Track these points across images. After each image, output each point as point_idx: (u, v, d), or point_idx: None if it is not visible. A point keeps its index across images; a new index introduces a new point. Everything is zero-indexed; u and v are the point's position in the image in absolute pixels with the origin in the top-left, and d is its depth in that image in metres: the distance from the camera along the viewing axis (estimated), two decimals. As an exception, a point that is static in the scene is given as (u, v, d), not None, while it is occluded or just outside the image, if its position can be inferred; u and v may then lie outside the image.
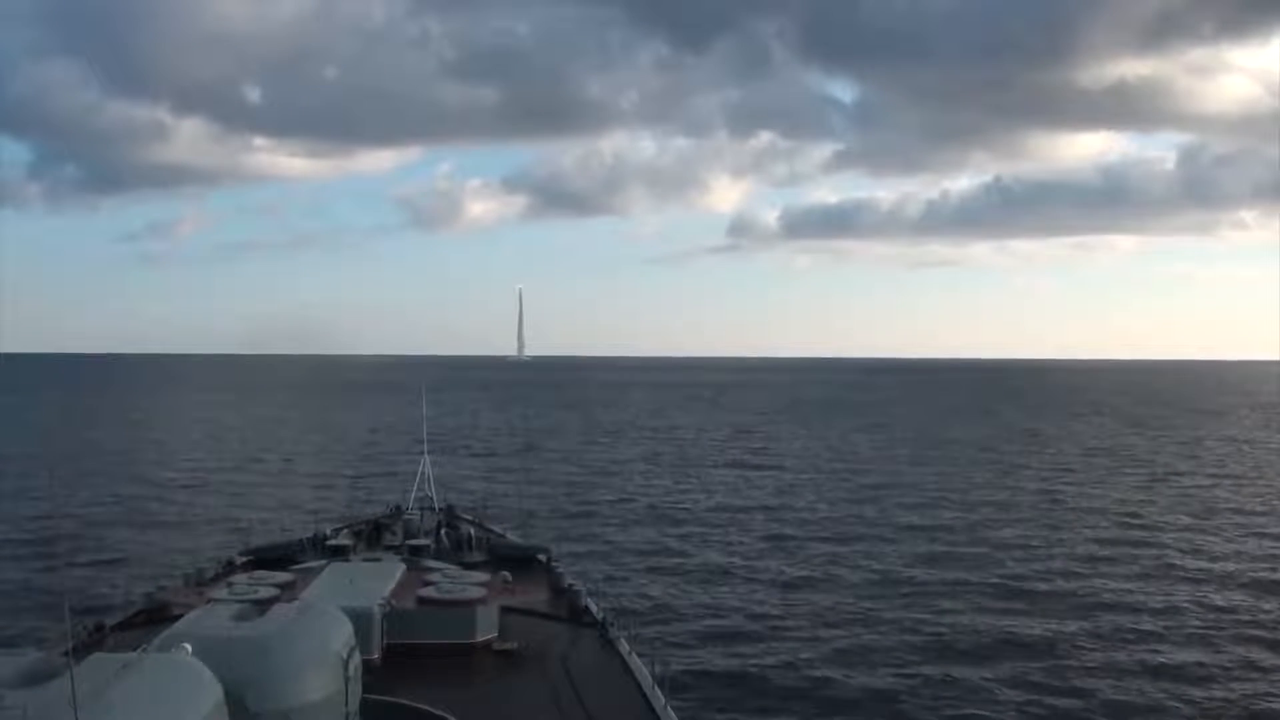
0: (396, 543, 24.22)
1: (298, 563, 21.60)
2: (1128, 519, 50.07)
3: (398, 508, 28.65)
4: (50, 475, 60.15)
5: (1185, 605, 33.26)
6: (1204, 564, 39.80)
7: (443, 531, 25.08)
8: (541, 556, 23.68)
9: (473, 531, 25.58)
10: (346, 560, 21.44)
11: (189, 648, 10.28)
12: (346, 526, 26.58)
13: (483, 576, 19.08)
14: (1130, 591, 35.11)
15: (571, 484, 62.05)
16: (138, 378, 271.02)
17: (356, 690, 11.96)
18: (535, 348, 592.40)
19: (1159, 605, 33.21)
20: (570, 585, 20.82)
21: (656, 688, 15.52)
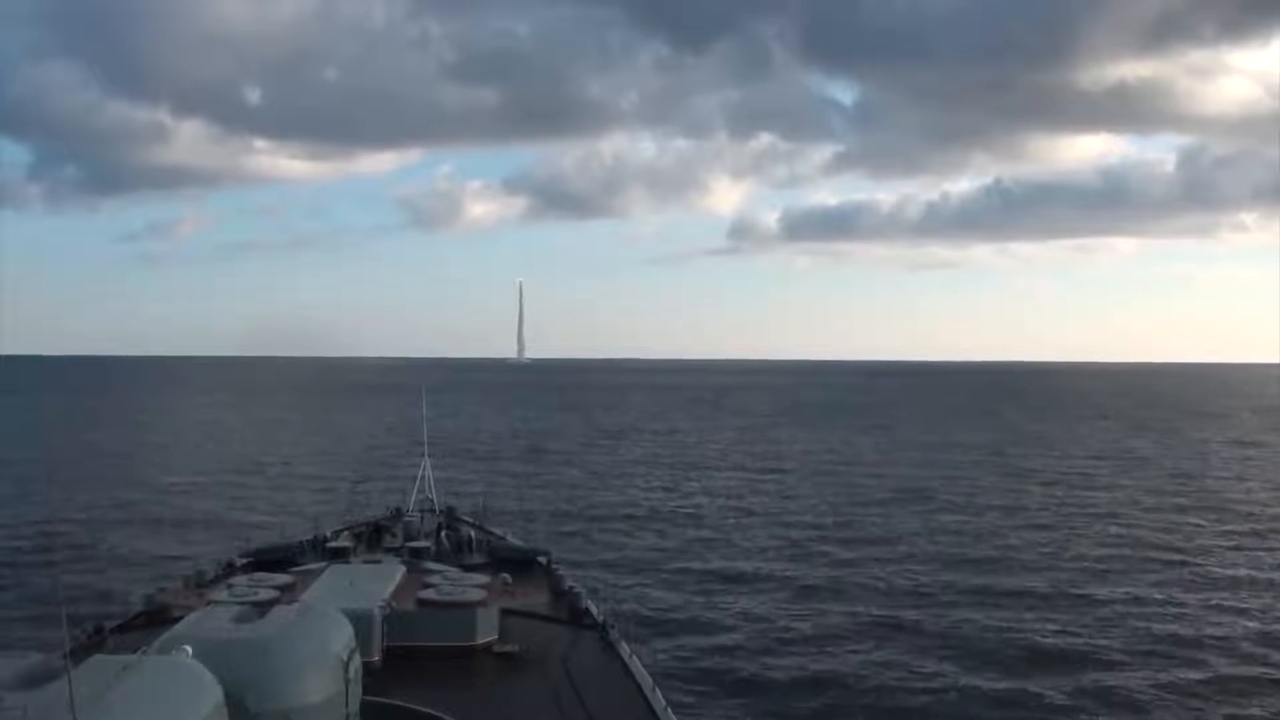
0: (397, 545, 24.17)
1: (298, 564, 21.56)
2: (1137, 522, 49.95)
3: (398, 510, 28.60)
4: (49, 477, 60.15)
5: (1198, 608, 33.27)
6: (1218, 568, 39.70)
7: (443, 533, 25.02)
8: (542, 559, 23.63)
9: (473, 534, 25.53)
10: (346, 562, 21.40)
11: (189, 649, 10.25)
12: (347, 528, 26.54)
13: (483, 579, 19.05)
14: (1141, 593, 35.06)
15: (572, 486, 62.05)
16: (138, 379, 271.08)
17: (356, 692, 11.93)
18: (535, 350, 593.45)
19: (1173, 609, 33.15)
20: (571, 587, 20.77)
21: (657, 690, 15.49)
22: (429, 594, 17.74)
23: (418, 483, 29.45)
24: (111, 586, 32.02)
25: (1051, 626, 30.79)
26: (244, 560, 22.71)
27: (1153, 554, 42.15)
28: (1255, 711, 24.21)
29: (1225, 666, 27.31)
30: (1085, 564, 39.97)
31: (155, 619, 17.24)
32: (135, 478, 64.14)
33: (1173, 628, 31.00)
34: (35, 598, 30.61)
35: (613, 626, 18.42)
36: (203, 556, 28.85)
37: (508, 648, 16.94)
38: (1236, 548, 44.04)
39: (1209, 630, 30.82)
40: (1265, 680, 26.32)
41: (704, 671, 25.91)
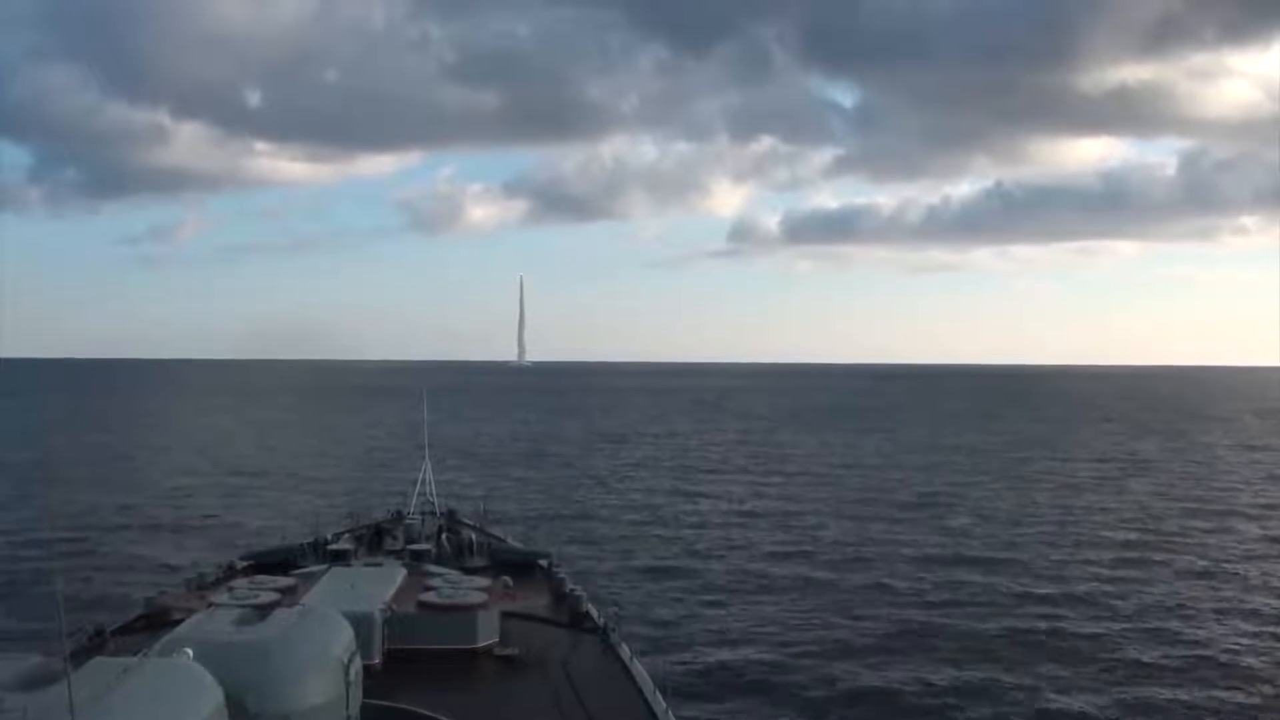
0: (397, 547, 24.18)
1: (298, 567, 21.57)
2: (1147, 526, 49.81)
3: (399, 512, 28.62)
4: (50, 480, 60.14)
5: (1211, 612, 33.24)
6: (1229, 572, 39.59)
7: (444, 536, 25.04)
8: (543, 561, 23.64)
9: (474, 536, 25.56)
10: (347, 565, 21.41)
11: (190, 652, 10.26)
12: (347, 531, 26.56)
13: (484, 581, 19.04)
14: (1152, 598, 35.03)
15: (573, 489, 62.02)
16: (139, 382, 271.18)
17: (357, 695, 11.93)
18: (536, 353, 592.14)
19: (1185, 613, 33.10)
20: (571, 590, 20.76)
21: (658, 693, 15.48)
22: (430, 597, 17.73)
23: (418, 485, 29.47)
24: (112, 589, 32.03)
25: (1061, 630, 30.69)
26: (245, 563, 22.72)
27: (1163, 557, 42.07)
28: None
29: (1238, 671, 27.21)
30: (1095, 568, 39.75)
31: (156, 621, 17.24)
32: (136, 480, 64.14)
33: (1184, 631, 30.91)
34: (35, 600, 30.58)
35: (614, 629, 18.41)
36: (203, 559, 28.89)
37: (508, 651, 16.93)
38: (1250, 555, 43.55)
39: (1220, 633, 30.74)
40: None
41: (705, 674, 25.88)
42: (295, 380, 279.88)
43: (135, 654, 10.14)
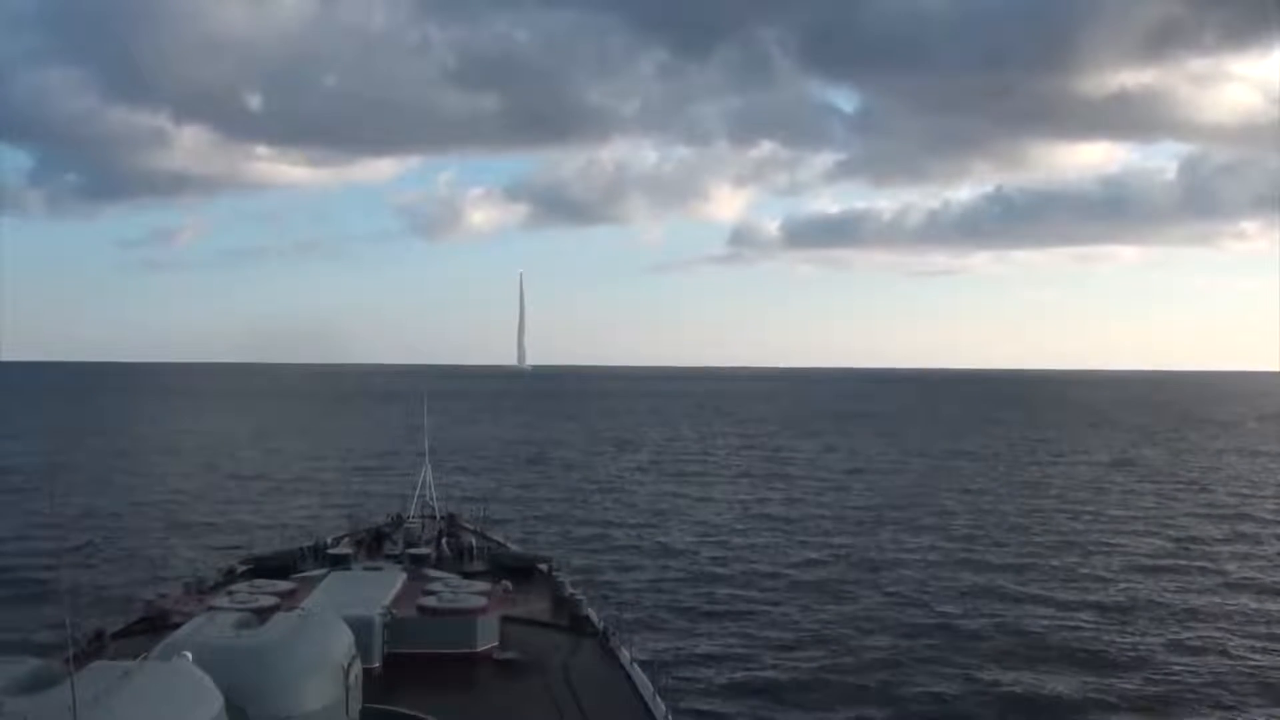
0: (397, 551, 24.20)
1: (299, 571, 21.60)
2: (1156, 531, 49.68)
3: (399, 516, 28.64)
4: (51, 483, 60.14)
5: (1218, 615, 33.23)
6: (1238, 576, 39.55)
7: (444, 540, 25.07)
8: (543, 566, 23.66)
9: (474, 540, 25.59)
10: (347, 569, 21.44)
11: (189, 656, 10.26)
12: (347, 535, 26.59)
13: (484, 586, 19.06)
14: (1161, 602, 34.97)
15: (574, 494, 61.99)
16: (140, 385, 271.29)
17: (357, 699, 11.94)
18: (537, 357, 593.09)
19: (1191, 616, 33.09)
20: (571, 595, 20.77)
21: (657, 697, 15.50)
22: (430, 601, 17.75)
23: (418, 489, 29.49)
24: (112, 593, 32.01)
25: (1068, 634, 30.62)
26: (245, 567, 22.75)
27: (1173, 562, 42.01)
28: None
29: (1247, 675, 27.18)
30: (1102, 574, 39.63)
31: (156, 625, 17.25)
32: (136, 483, 64.15)
33: (1193, 633, 30.90)
34: (36, 604, 30.59)
35: (613, 634, 18.42)
36: (203, 563, 28.90)
37: (508, 655, 16.94)
38: (1264, 559, 43.39)
39: (1228, 636, 30.72)
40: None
41: (705, 679, 25.85)
42: (295, 384, 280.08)
43: (135, 657, 10.14)
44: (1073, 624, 31.73)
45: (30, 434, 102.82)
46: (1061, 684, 25.97)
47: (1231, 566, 41.44)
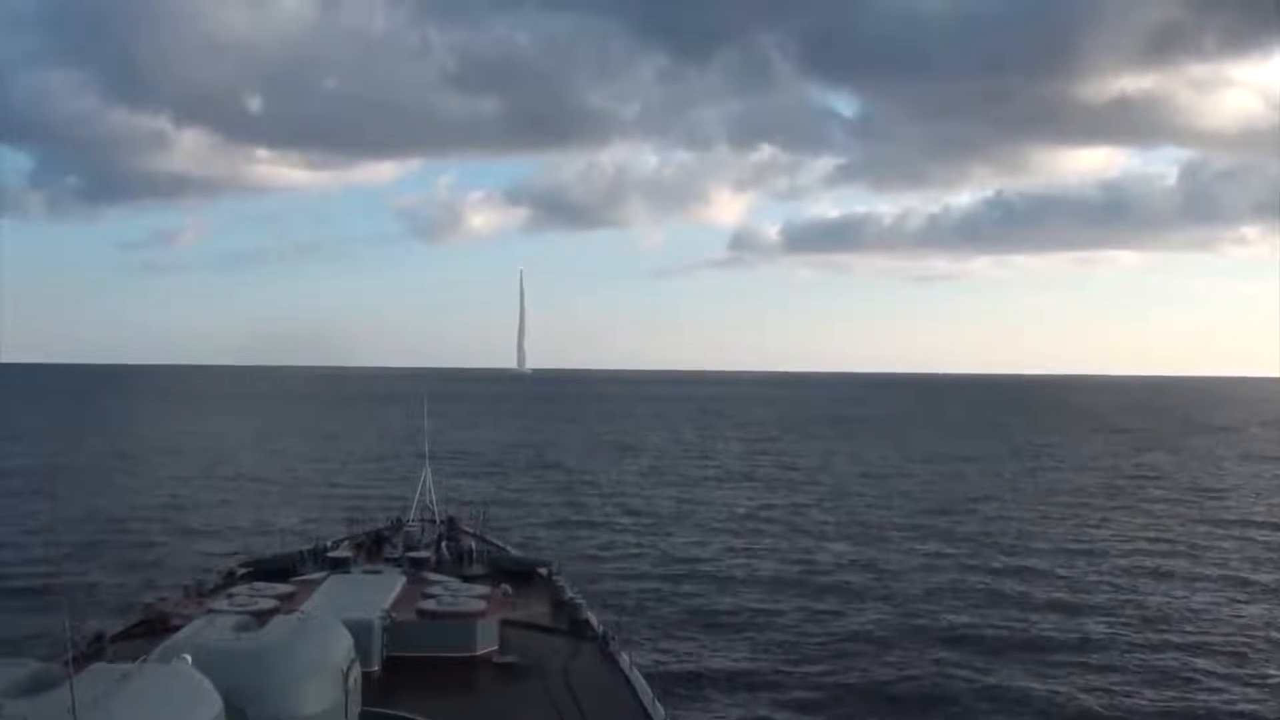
0: (397, 555, 24.18)
1: (298, 574, 21.58)
2: (1162, 536, 49.45)
3: (398, 519, 28.61)
4: (51, 485, 60.17)
5: (1225, 623, 33.13)
6: (1243, 582, 39.43)
7: (443, 544, 25.04)
8: (543, 570, 23.64)
9: (474, 544, 25.55)
10: (347, 572, 21.42)
11: (188, 658, 10.25)
12: (347, 538, 26.55)
13: (483, 589, 19.04)
14: (1166, 606, 34.89)
15: (574, 497, 61.96)
16: (140, 388, 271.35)
17: (356, 702, 11.93)
18: (537, 360, 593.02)
19: (1197, 623, 32.99)
20: (571, 599, 20.77)
21: (657, 702, 15.49)
22: (429, 604, 17.74)
23: (418, 492, 29.48)
24: (112, 595, 32.02)
25: (1070, 638, 30.58)
26: (244, 570, 22.73)
27: (1175, 566, 41.93)
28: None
29: (1256, 681, 27.11)
30: (1107, 578, 39.50)
31: (155, 628, 17.25)
32: (136, 486, 64.15)
33: (1200, 638, 30.85)
34: (36, 606, 30.59)
35: (613, 638, 18.41)
36: (203, 565, 28.89)
37: (508, 659, 16.93)
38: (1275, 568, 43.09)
39: (1234, 641, 30.66)
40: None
41: (705, 683, 25.81)
42: (295, 386, 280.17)
43: (134, 660, 10.14)
44: (1079, 630, 31.64)
45: (31, 436, 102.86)
46: (1069, 689, 25.94)
47: (1237, 572, 41.33)
